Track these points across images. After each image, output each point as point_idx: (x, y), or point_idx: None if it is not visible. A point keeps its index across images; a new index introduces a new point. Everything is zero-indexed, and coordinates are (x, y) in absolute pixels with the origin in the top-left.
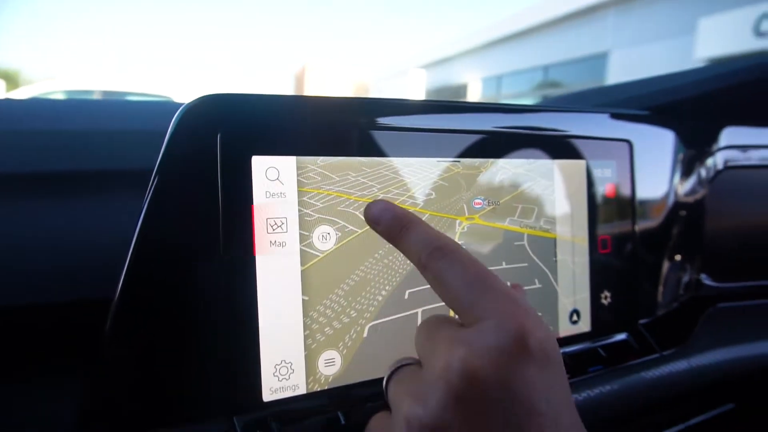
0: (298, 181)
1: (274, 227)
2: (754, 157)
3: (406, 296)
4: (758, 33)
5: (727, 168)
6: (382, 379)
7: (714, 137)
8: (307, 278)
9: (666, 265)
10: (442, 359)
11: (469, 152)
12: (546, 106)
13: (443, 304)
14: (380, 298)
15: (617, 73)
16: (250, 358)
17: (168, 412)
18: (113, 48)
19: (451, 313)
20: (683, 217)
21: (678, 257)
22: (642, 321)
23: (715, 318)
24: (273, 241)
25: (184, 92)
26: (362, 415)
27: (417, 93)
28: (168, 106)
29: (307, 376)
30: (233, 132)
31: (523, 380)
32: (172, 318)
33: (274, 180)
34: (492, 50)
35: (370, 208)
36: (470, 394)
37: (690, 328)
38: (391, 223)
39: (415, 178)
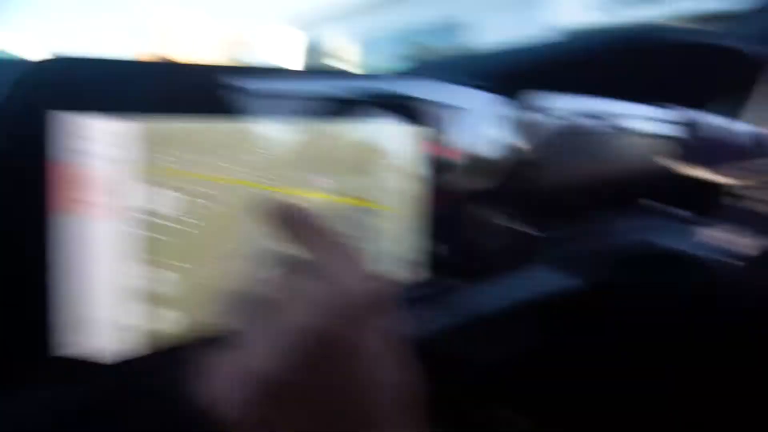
0: (132, 143)
1: (94, 187)
2: (577, 121)
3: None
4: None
5: (543, 133)
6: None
7: (543, 102)
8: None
9: (497, 218)
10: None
11: (307, 116)
12: (380, 74)
13: None
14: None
15: (473, 40)
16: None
17: None
18: None
19: None
20: (512, 174)
21: (505, 212)
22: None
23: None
24: (93, 202)
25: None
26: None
27: (289, 52)
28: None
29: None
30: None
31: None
32: None
33: (90, 139)
34: (363, 15)
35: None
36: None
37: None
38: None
39: (256, 144)
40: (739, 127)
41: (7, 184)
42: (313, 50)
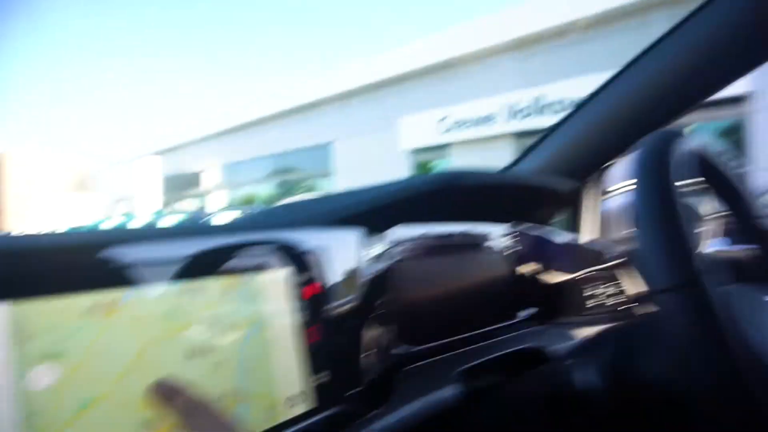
0: None
1: None
2: (419, 246)
3: None
4: (441, 130)
5: (399, 261)
6: None
7: (387, 234)
8: None
9: (365, 341)
10: None
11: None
12: (243, 224)
13: None
14: None
15: (342, 159)
16: None
17: None
18: None
19: None
20: (370, 301)
21: (372, 332)
22: (350, 392)
23: (408, 378)
24: None
25: None
26: None
27: (148, 181)
28: None
29: None
30: None
31: None
32: None
33: None
34: (228, 138)
35: None
36: None
37: (389, 389)
38: None
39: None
40: (557, 235)
41: None
42: (174, 178)
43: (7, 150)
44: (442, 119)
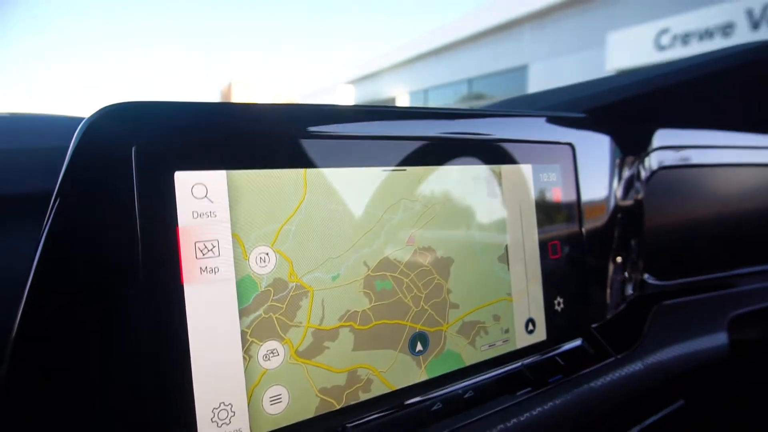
0: (230, 198)
1: (204, 252)
2: (686, 157)
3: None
4: (659, 47)
5: (662, 168)
6: (336, 413)
7: (648, 139)
8: (244, 307)
9: (612, 267)
10: None
11: (412, 160)
12: (487, 111)
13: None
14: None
15: (537, 84)
16: (182, 403)
17: None
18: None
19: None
20: (625, 218)
21: (622, 258)
22: (594, 325)
23: (661, 316)
24: (203, 268)
25: None
26: None
27: None
28: (70, 122)
29: (251, 419)
30: (151, 145)
31: None
32: (82, 367)
33: (201, 198)
34: (418, 65)
35: None
36: None
37: (639, 328)
38: None
39: (358, 189)
40: None
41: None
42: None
43: (234, 76)
44: (662, 32)
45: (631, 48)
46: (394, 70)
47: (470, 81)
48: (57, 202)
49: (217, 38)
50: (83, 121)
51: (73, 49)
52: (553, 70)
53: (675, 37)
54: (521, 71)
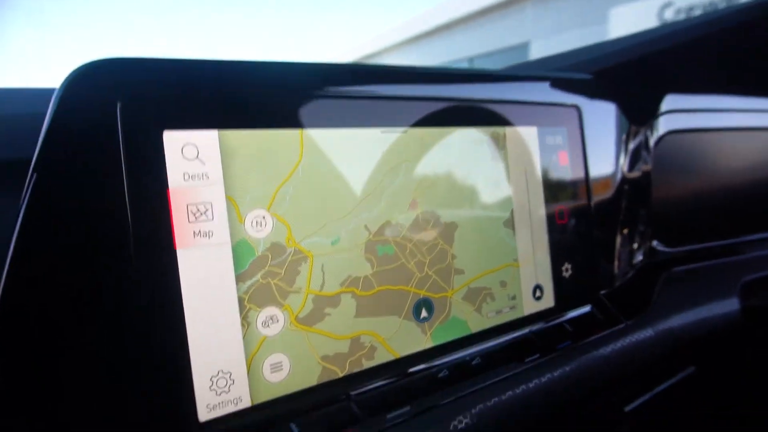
0: (223, 159)
1: (197, 215)
2: (695, 120)
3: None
4: (663, 21)
5: (670, 132)
6: (339, 381)
7: (657, 101)
8: (241, 272)
9: (620, 233)
10: None
11: (412, 121)
12: (490, 72)
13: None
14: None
15: None
16: (179, 373)
17: None
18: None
19: None
20: (633, 183)
21: (630, 224)
22: (602, 292)
23: (671, 283)
24: (197, 232)
25: None
26: (319, 424)
27: None
28: (41, 91)
29: (252, 387)
30: (137, 102)
31: None
32: (72, 334)
33: (192, 159)
34: (416, 45)
35: None
36: None
37: (649, 294)
38: None
39: (356, 151)
40: None
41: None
42: None
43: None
44: (665, 6)
45: (634, 23)
46: (391, 52)
47: (471, 60)
48: (38, 167)
49: (215, 36)
50: (64, 79)
51: (73, 49)
52: (555, 48)
53: (679, 11)
54: (523, 49)
